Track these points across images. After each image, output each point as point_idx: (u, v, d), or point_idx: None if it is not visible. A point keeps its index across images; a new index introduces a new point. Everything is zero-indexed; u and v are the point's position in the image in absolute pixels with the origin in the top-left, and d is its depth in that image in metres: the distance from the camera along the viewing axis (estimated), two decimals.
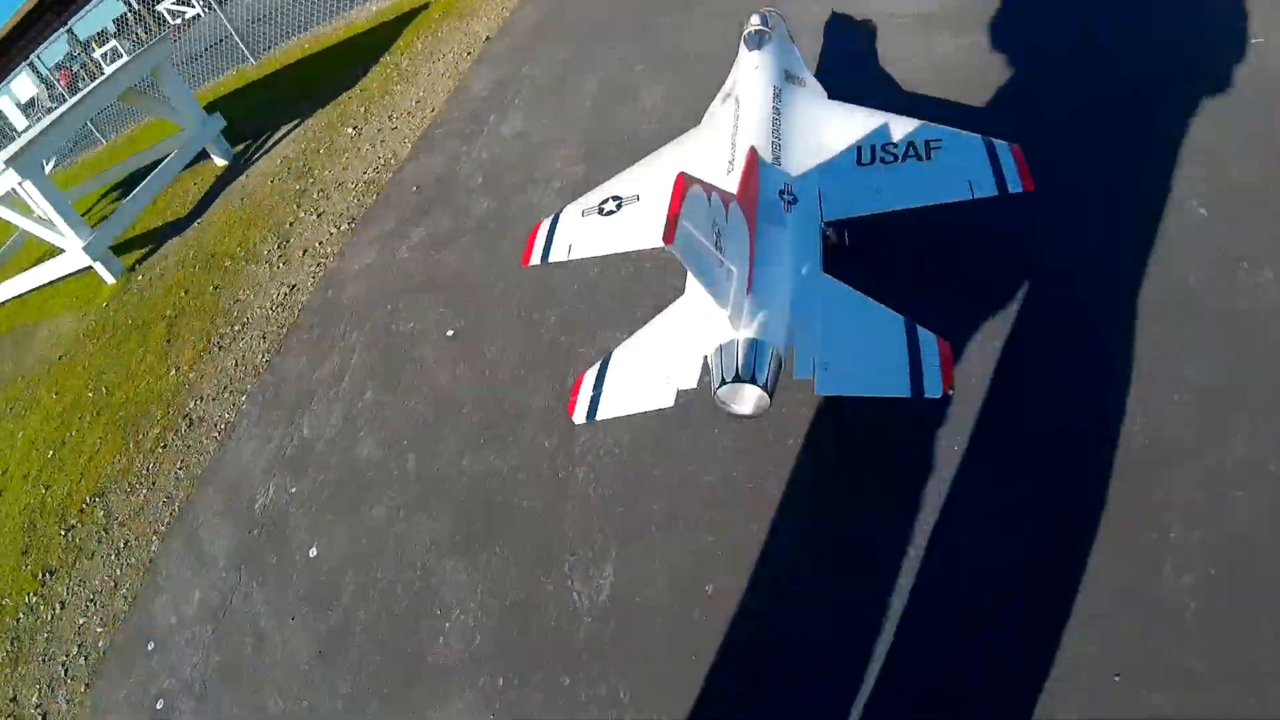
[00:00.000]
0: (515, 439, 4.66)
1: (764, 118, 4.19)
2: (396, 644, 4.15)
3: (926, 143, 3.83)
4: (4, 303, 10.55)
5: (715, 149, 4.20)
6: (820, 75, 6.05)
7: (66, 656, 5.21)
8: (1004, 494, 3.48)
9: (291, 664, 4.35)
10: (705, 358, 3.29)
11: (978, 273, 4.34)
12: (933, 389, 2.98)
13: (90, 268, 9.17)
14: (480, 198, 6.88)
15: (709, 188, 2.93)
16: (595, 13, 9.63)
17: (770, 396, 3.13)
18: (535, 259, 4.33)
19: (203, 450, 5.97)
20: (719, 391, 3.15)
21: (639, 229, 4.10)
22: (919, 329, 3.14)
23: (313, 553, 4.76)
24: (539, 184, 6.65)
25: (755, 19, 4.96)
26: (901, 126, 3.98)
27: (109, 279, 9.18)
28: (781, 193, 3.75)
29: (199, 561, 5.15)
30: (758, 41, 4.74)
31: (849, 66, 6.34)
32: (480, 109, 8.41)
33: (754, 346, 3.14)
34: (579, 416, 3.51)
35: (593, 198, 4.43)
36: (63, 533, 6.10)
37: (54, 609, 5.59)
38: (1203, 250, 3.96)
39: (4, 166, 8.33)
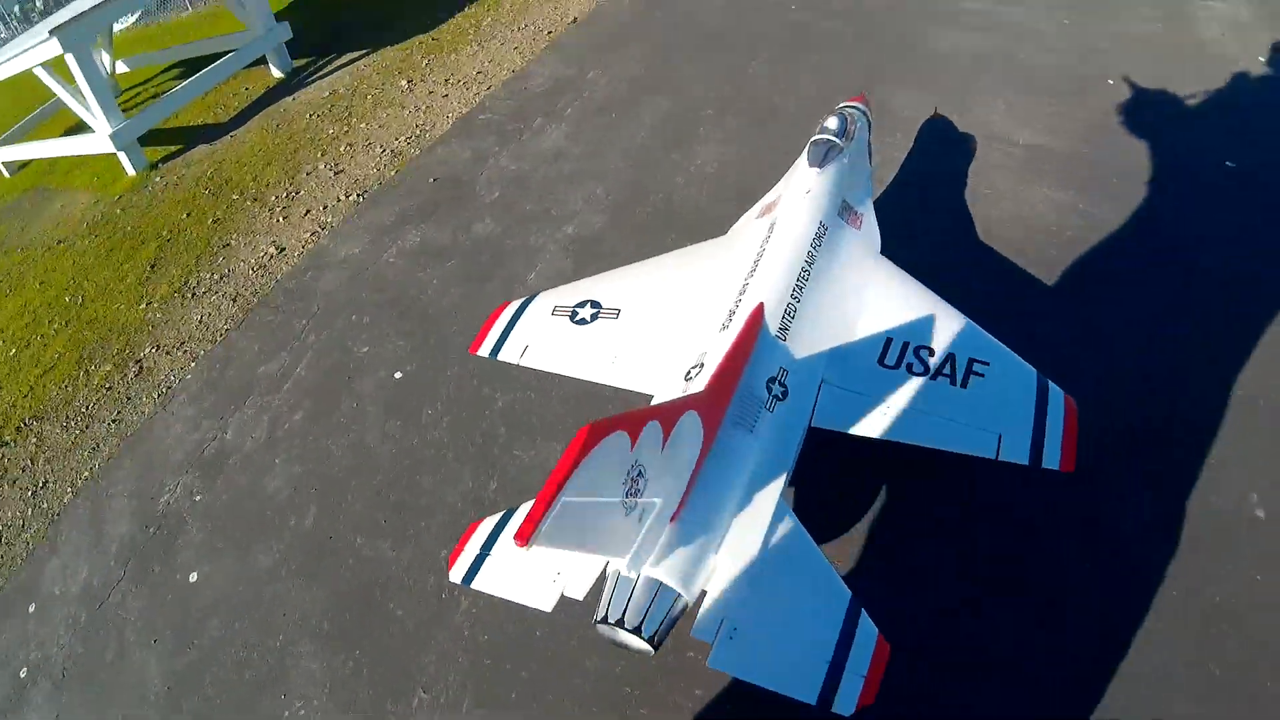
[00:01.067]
0: (415, 534, 4.41)
1: (791, 264, 3.54)
2: (235, 714, 4.00)
3: (970, 361, 3.21)
4: (30, 161, 10.43)
5: (721, 286, 3.62)
6: (893, 189, 5.56)
7: None
8: None
9: (141, 689, 4.25)
10: (606, 565, 2.77)
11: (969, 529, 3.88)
12: (844, 704, 2.47)
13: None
14: (487, 217, 6.56)
15: (638, 421, 2.36)
16: (691, 29, 9.09)
17: (658, 647, 2.66)
18: (484, 350, 3.96)
19: (139, 409, 5.84)
20: (598, 624, 2.68)
21: (602, 358, 3.66)
22: (863, 616, 2.63)
23: (193, 578, 4.61)
24: (551, 224, 6.30)
25: (832, 122, 4.19)
26: (949, 325, 3.34)
27: (130, 170, 9.00)
28: (771, 382, 3.17)
29: (96, 537, 5.05)
30: (821, 156, 3.99)
31: (927, 189, 5.81)
32: (531, 106, 8.04)
33: (656, 592, 2.63)
34: (456, 575, 3.07)
35: (570, 294, 3.98)
36: None
37: None
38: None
39: (48, 35, 8.09)
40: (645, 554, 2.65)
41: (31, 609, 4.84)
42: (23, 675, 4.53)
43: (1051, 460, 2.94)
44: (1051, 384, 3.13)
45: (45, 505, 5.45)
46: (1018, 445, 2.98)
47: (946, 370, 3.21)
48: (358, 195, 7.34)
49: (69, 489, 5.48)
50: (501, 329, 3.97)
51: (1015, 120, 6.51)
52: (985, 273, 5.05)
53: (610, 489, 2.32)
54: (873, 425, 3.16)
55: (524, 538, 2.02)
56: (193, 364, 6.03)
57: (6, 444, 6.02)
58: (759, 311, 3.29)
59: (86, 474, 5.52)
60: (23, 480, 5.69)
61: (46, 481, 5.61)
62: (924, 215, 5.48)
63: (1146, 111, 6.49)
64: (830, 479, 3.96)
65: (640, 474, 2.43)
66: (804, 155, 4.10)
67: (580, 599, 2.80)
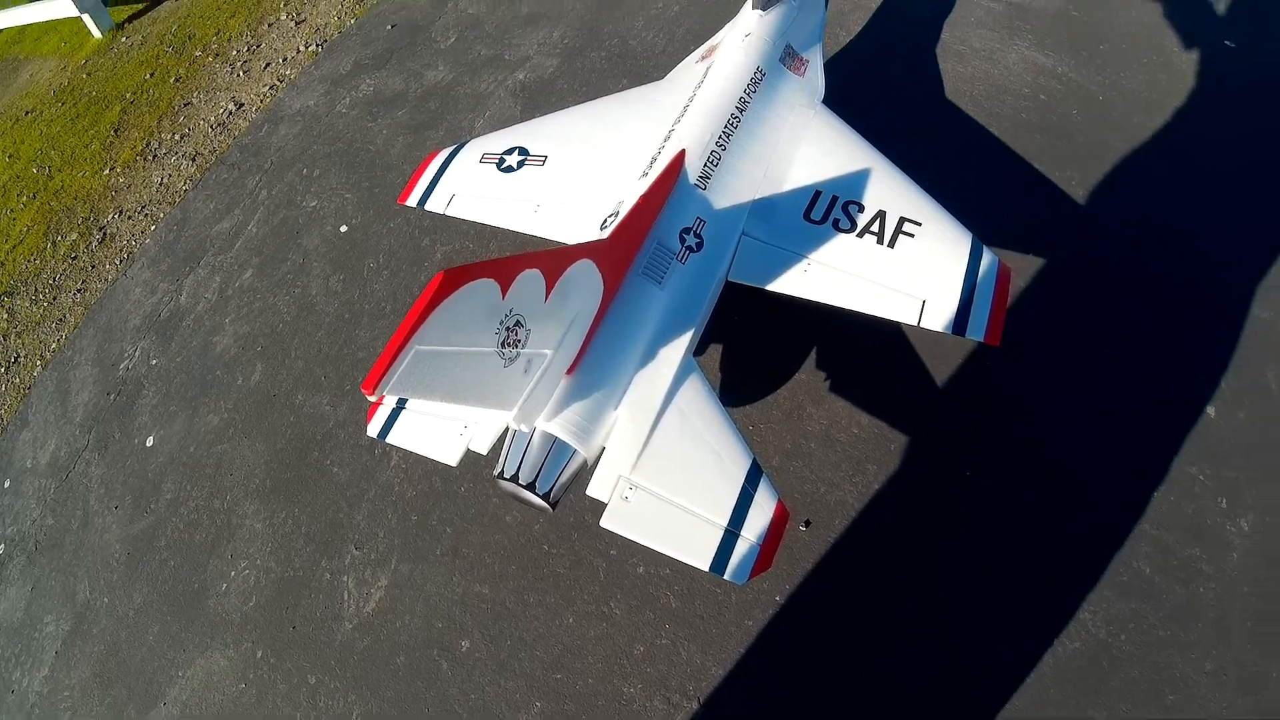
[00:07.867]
0: (353, 389, 4.25)
1: (719, 110, 3.24)
2: (187, 575, 3.99)
3: (901, 220, 2.91)
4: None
5: (647, 131, 3.35)
6: (859, 39, 4.99)
7: None
8: None
9: (103, 555, 4.26)
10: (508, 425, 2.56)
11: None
12: (738, 574, 2.28)
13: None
14: (440, 64, 6.05)
15: (510, 268, 2.08)
16: None
17: (555, 506, 2.48)
18: (413, 200, 3.66)
19: (103, 276, 5.69)
20: (499, 480, 2.50)
21: (526, 207, 3.40)
22: (764, 480, 2.41)
23: (149, 442, 4.55)
24: (502, 69, 5.79)
25: None
26: (883, 181, 3.04)
27: (96, 33, 8.57)
28: (686, 232, 2.91)
29: (63, 408, 5.00)
30: None
31: (896, 41, 5.08)
32: None
33: (551, 449, 2.44)
34: (373, 429, 2.90)
35: (499, 141, 3.68)
36: None
37: None
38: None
39: None
40: (538, 408, 2.44)
41: (6, 484, 4.85)
42: (0, 551, 4.57)
43: (977, 331, 2.63)
44: (987, 249, 2.79)
45: (18, 380, 5.41)
46: (941, 312, 2.68)
47: (874, 228, 2.90)
48: (317, 45, 6.86)
49: (38, 361, 5.42)
50: (430, 178, 3.69)
51: None
52: (942, 130, 4.45)
53: (480, 339, 2.07)
54: (791, 283, 2.88)
55: (370, 385, 1.78)
56: (152, 227, 5.83)
57: None
58: (679, 159, 3.01)
59: (54, 345, 5.45)
60: None
61: (18, 356, 5.55)
62: (887, 67, 4.79)
63: None
64: (754, 343, 3.74)
65: (519, 324, 2.19)
66: None
67: (484, 453, 2.63)
